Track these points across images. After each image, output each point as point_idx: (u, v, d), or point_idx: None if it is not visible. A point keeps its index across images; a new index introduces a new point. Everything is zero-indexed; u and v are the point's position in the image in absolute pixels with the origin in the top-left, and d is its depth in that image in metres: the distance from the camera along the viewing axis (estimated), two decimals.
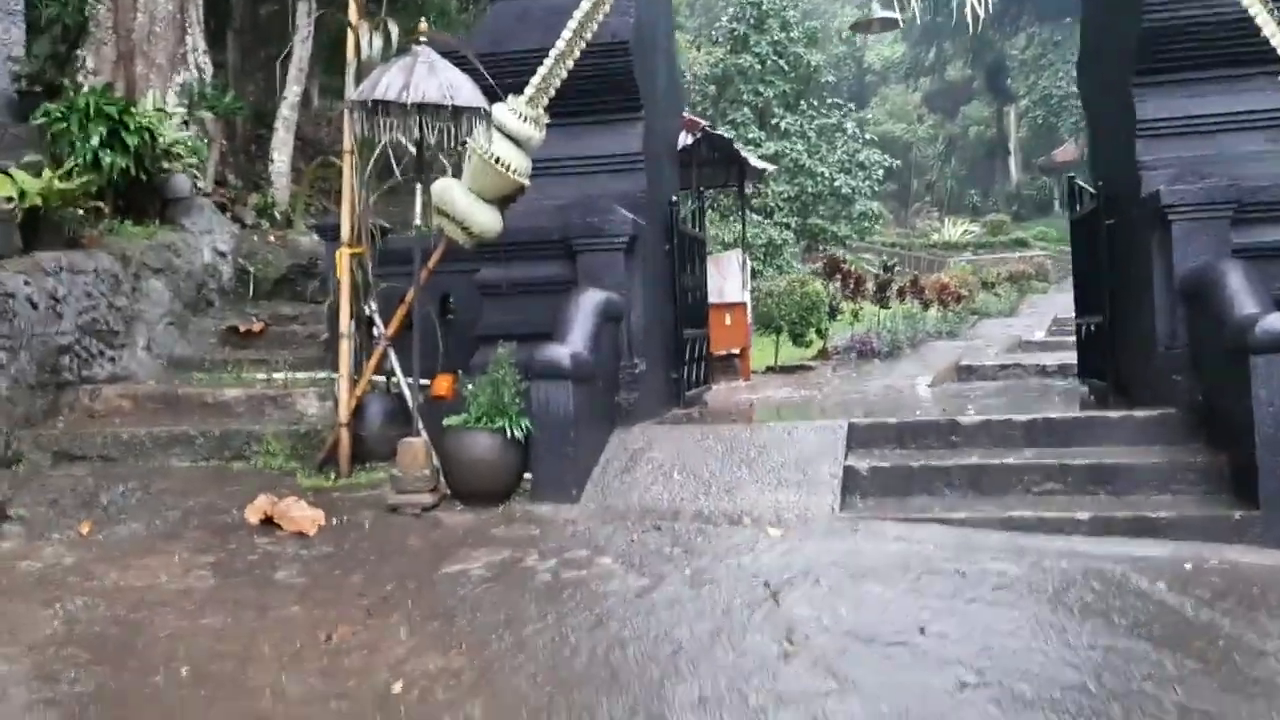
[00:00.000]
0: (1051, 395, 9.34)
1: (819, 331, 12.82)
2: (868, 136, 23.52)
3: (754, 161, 13.04)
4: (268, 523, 5.99)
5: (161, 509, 6.35)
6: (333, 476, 6.98)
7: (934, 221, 44.97)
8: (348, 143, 7.18)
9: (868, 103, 54.06)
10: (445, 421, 6.50)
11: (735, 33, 21.72)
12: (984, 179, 56.99)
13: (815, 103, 22.18)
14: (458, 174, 7.25)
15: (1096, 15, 8.37)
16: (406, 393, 7.04)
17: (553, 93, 6.97)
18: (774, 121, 20.80)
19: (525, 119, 6.84)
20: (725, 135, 12.02)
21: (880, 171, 22.15)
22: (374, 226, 7.66)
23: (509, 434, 6.33)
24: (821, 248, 21.62)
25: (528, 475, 6.57)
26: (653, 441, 7.04)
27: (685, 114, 10.50)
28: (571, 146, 7.86)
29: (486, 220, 6.91)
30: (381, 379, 7.49)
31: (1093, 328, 8.80)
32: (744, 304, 11.98)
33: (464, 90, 6.26)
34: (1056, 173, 57.26)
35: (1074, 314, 9.60)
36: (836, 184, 20.52)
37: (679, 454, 6.82)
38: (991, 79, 54.41)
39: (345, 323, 7.16)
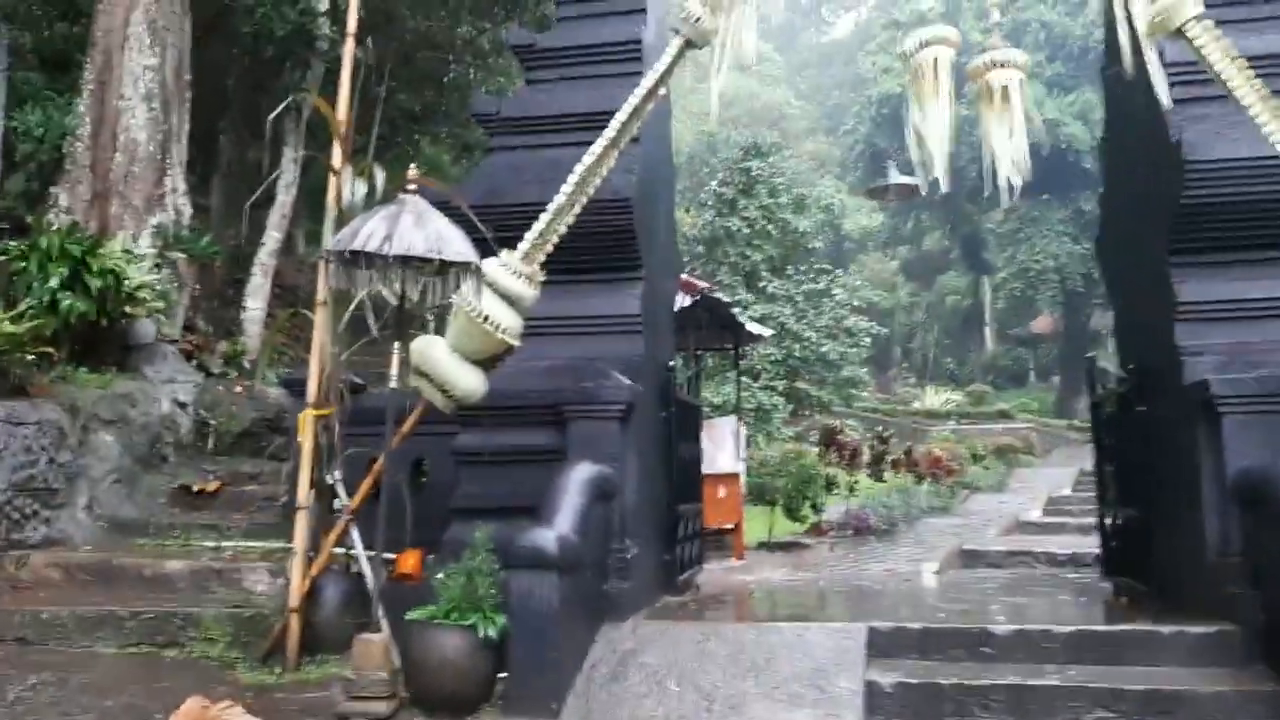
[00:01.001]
0: (1074, 594, 8.56)
1: (814, 506, 12.12)
2: (855, 303, 23.34)
3: (751, 328, 12.56)
4: None
5: (74, 710, 5.44)
6: (279, 671, 6.10)
7: (912, 389, 44.77)
8: (321, 294, 6.54)
9: (846, 270, 54.68)
10: (410, 615, 5.67)
11: (724, 196, 21.67)
12: (960, 348, 57.28)
13: (803, 268, 22.01)
14: (440, 329, 6.63)
15: (1123, 190, 7.95)
16: (368, 574, 6.22)
17: (550, 249, 6.41)
18: (761, 285, 20.55)
19: (519, 275, 6.25)
20: (724, 299, 11.57)
21: (868, 339, 21.87)
22: (345, 384, 6.96)
23: (482, 633, 5.50)
24: (806, 413, 21.11)
25: (502, 675, 5.71)
26: (645, 642, 6.21)
27: (682, 275, 10.03)
28: (565, 305, 7.26)
29: (470, 383, 6.24)
30: (342, 553, 6.67)
31: (1120, 521, 8.11)
32: (738, 475, 11.27)
33: (453, 243, 5.67)
34: (1032, 344, 57.88)
35: (1097, 504, 8.90)
36: (824, 349, 20.14)
37: (675, 659, 5.98)
38: (968, 250, 55.23)
39: (303, 494, 6.39)
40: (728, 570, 9.88)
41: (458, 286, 5.88)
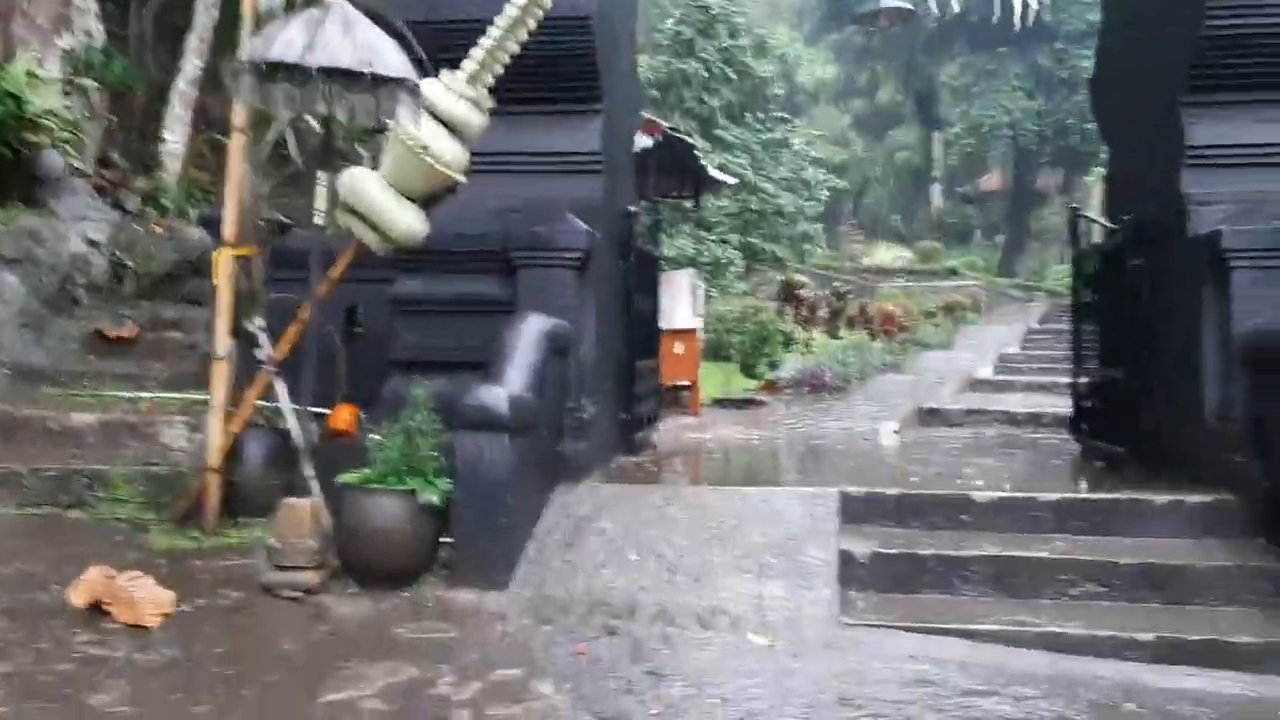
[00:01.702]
0: (1045, 455, 8.25)
1: (771, 363, 11.67)
2: (814, 154, 22.54)
3: (714, 173, 11.83)
4: (99, 607, 4.53)
5: None
6: (196, 535, 5.56)
7: (862, 245, 44.37)
8: (236, 119, 5.74)
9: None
10: (341, 478, 5.10)
11: (681, 36, 20.54)
12: (908, 205, 56.84)
13: (762, 116, 21.09)
14: (375, 164, 5.91)
15: (1128, 27, 7.28)
16: (295, 431, 5.63)
17: (499, 71, 5.65)
18: (718, 133, 19.65)
19: (464, 100, 5.51)
20: (687, 141, 10.83)
21: (825, 192, 21.17)
22: (268, 223, 6.25)
23: (424, 498, 4.96)
24: (760, 268, 20.54)
25: (447, 540, 5.21)
26: (603, 507, 5.73)
27: (642, 114, 9.26)
28: (516, 140, 6.53)
29: (407, 223, 5.55)
30: (269, 407, 6.07)
31: (1098, 381, 7.73)
32: (695, 331, 10.74)
33: (387, 56, 4.89)
34: (979, 202, 57.53)
35: (1071, 363, 8.52)
36: (780, 202, 19.43)
37: (635, 524, 5.52)
38: (921, 105, 54.22)
39: (221, 342, 5.73)
40: (683, 427, 9.44)
41: (392, 110, 5.12)
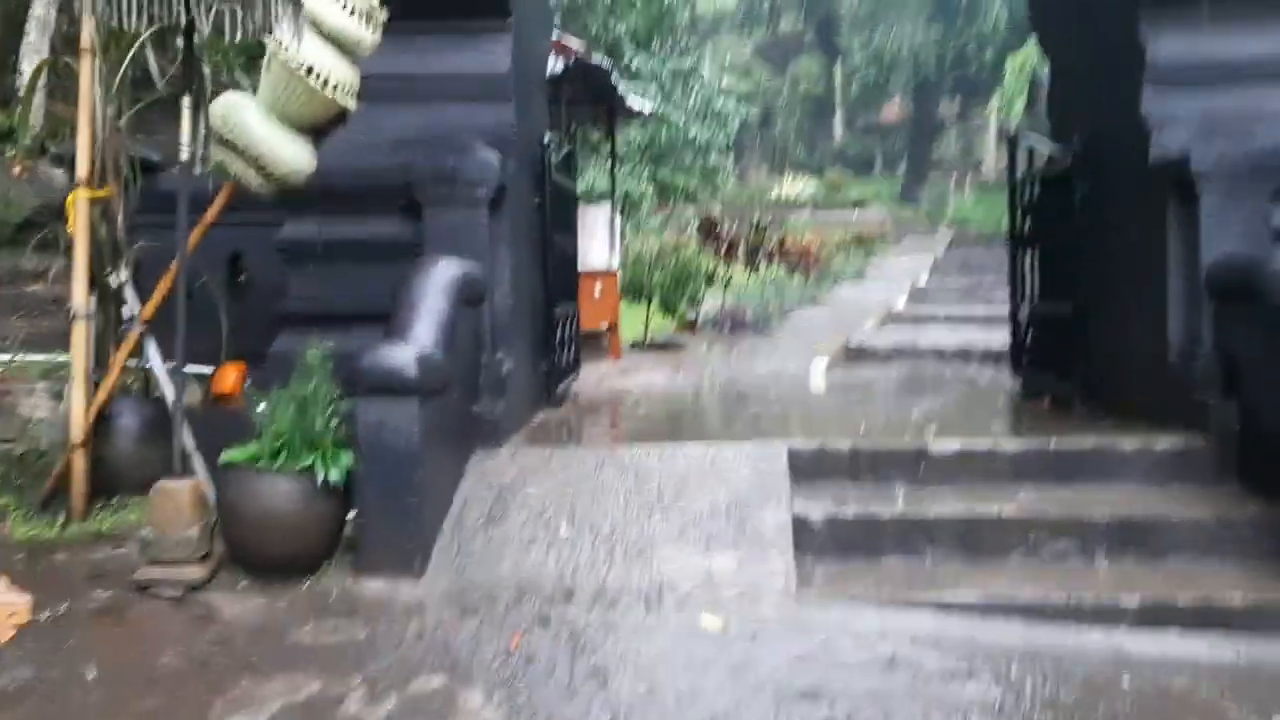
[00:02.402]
0: (986, 394, 7.89)
1: (693, 301, 11.15)
2: (724, 83, 21.87)
3: (632, 101, 11.13)
4: None
5: None
6: (61, 522, 4.83)
7: (768, 176, 43.99)
8: (85, 37, 4.91)
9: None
10: (225, 456, 4.42)
11: None
12: (810, 136, 56.65)
13: (669, 44, 20.30)
14: (252, 89, 5.15)
15: None
16: (170, 396, 4.91)
17: None
18: (625, 61, 18.83)
19: (353, 11, 4.77)
20: (602, 64, 10.10)
21: (736, 123, 20.55)
22: (131, 159, 5.45)
23: (322, 477, 4.31)
24: (670, 203, 19.91)
25: (352, 516, 4.59)
26: (528, 472, 5.14)
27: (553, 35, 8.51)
28: (414, 61, 5.80)
29: (292, 157, 4.83)
30: (143, 368, 5.35)
31: (1041, 314, 7.36)
32: (615, 271, 10.13)
33: None
34: (880, 133, 57.56)
35: (1010, 295, 8.14)
36: (691, 134, 18.76)
37: (566, 492, 4.95)
38: (822, 34, 53.80)
39: (80, 298, 4.96)
40: (605, 375, 8.87)
41: (269, 23, 4.37)
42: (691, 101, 19.14)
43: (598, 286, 9.12)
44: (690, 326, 11.74)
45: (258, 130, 4.69)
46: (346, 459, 4.38)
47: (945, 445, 5.26)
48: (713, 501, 4.84)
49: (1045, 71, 27.34)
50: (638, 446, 5.38)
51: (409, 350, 4.43)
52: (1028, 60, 37.34)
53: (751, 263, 13.60)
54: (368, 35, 4.82)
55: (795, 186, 37.07)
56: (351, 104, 4.88)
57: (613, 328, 9.65)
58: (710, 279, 11.93)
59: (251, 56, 6.50)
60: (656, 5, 20.01)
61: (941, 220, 38.05)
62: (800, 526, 4.71)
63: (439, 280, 5.01)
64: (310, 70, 4.64)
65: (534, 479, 5.08)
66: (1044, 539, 4.67)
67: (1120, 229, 6.14)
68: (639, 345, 10.59)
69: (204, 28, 4.18)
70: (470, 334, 5.39)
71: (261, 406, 4.42)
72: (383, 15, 4.89)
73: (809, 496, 4.97)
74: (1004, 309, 14.74)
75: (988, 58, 44.71)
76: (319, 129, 5.06)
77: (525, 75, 6.40)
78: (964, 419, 6.76)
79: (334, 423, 4.43)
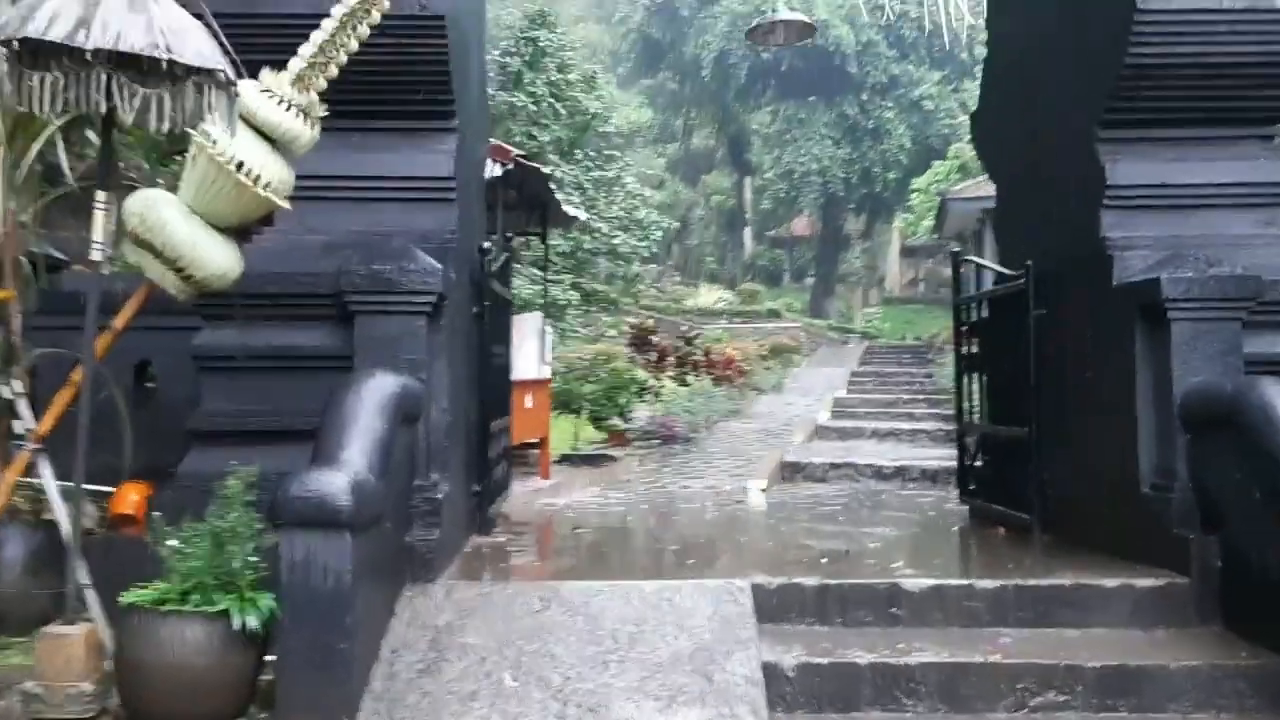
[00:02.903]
0: (938, 520, 7.59)
1: (623, 413, 10.77)
2: (647, 193, 21.91)
3: (568, 209, 10.88)
4: None
5: None
6: None
7: (683, 286, 44.27)
8: None
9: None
10: (126, 597, 3.86)
11: (508, 68, 19.57)
12: (721, 248, 57.58)
13: (592, 153, 20.31)
14: (174, 186, 4.70)
15: (1028, 51, 6.75)
16: (64, 523, 4.34)
17: (333, 74, 4.55)
18: (549, 169, 18.70)
19: (290, 107, 4.38)
20: (540, 169, 9.84)
21: (659, 232, 20.50)
22: (33, 257, 4.94)
23: (239, 622, 3.77)
24: (592, 311, 19.67)
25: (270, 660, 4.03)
26: (466, 613, 4.63)
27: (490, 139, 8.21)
28: (350, 161, 5.45)
29: (218, 261, 4.38)
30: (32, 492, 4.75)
31: (992, 439, 7.15)
32: (548, 382, 9.73)
33: (192, 40, 3.74)
34: (789, 245, 58.75)
35: (956, 418, 7.94)
36: (615, 241, 18.63)
37: (509, 637, 4.45)
38: (734, 150, 55.11)
39: None
40: (536, 493, 8.40)
41: (197, 114, 3.95)
42: (614, 210, 19.12)
43: (529, 398, 8.70)
44: (618, 439, 11.34)
45: (180, 230, 4.23)
46: (267, 602, 3.85)
47: (919, 582, 4.91)
48: (674, 649, 4.38)
49: (953, 191, 27.96)
50: (585, 583, 4.91)
51: (341, 477, 3.94)
52: (934, 182, 38.64)
53: (681, 373, 13.33)
54: (305, 131, 4.44)
55: (710, 296, 37.23)
56: (284, 203, 4.47)
57: (543, 441, 9.20)
58: (642, 390, 11.60)
59: (167, 151, 6.08)
60: (579, 117, 20.09)
61: (851, 333, 38.63)
62: (771, 675, 4.29)
63: (375, 396, 4.54)
64: (241, 166, 4.22)
65: (473, 621, 4.58)
66: (1032, 688, 4.32)
67: (1080, 354, 5.97)
68: (568, 459, 10.13)
69: (127, 117, 3.75)
70: (405, 455, 4.92)
71: (171, 543, 3.86)
72: (322, 110, 4.51)
73: (779, 640, 4.57)
74: (927, 425, 14.88)
75: (890, 178, 46.26)
76: (243, 230, 4.63)
77: (466, 179, 6.05)
78: (923, 549, 6.44)
79: (255, 559, 3.90)
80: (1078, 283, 5.98)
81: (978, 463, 7.52)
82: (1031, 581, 4.91)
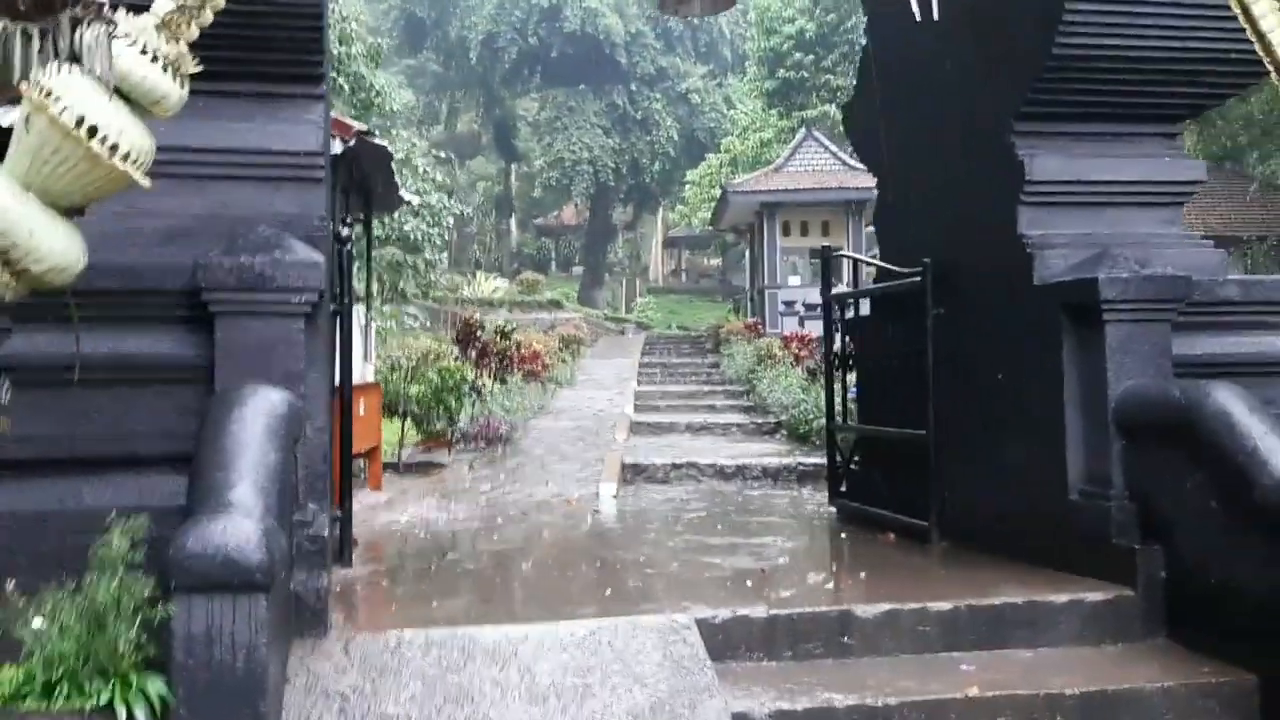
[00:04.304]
0: (813, 523, 7.31)
1: (452, 418, 9.97)
2: (438, 177, 20.85)
3: (404, 193, 9.94)
4: None
5: None
6: None
7: (456, 276, 43.15)
8: None
9: None
10: None
11: None
12: (486, 235, 56.76)
13: (378, 132, 19.04)
14: None
15: (922, 41, 6.50)
16: None
17: (208, 19, 3.67)
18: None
19: (155, 58, 3.48)
20: (385, 145, 8.90)
21: (450, 218, 19.53)
22: None
23: (123, 718, 2.91)
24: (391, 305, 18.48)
25: None
26: (375, 675, 3.87)
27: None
28: (196, 130, 4.50)
29: (60, 250, 3.42)
30: None
31: (877, 443, 6.93)
32: (380, 385, 8.82)
33: None
34: (555, 234, 58.52)
35: (827, 418, 7.69)
36: (407, 228, 17.54)
37: (434, 704, 3.73)
38: (500, 136, 54.32)
39: None
40: (371, 509, 7.54)
41: (27, 65, 3.03)
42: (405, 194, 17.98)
43: (362, 405, 7.82)
44: (439, 442, 10.52)
45: (10, 211, 3.27)
46: (158, 688, 3.00)
47: (870, 608, 4.52)
48: (630, 704, 3.80)
49: (733, 185, 28.23)
50: (505, 628, 4.24)
51: (249, 525, 3.14)
52: (706, 174, 39.24)
53: (501, 371, 12.63)
54: (174, 90, 3.54)
55: (488, 285, 36.29)
56: (145, 180, 3.56)
57: (374, 451, 8.32)
58: (474, 390, 10.84)
59: None
60: (362, 94, 18.84)
61: (625, 322, 38.73)
62: None
63: (263, 418, 3.73)
64: (95, 131, 3.30)
65: (385, 683, 3.83)
66: None
67: (988, 356, 5.77)
68: (391, 467, 9.27)
69: None
70: (288, 487, 4.09)
71: (38, 623, 2.94)
72: (194, 66, 3.63)
73: (732, 682, 4.07)
74: (734, 418, 14.79)
75: (657, 169, 46.74)
76: (73, 211, 3.69)
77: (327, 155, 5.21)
78: (835, 563, 6.11)
79: (142, 637, 3.04)
80: (984, 281, 5.78)
81: (850, 465, 7.30)
82: (985, 601, 4.61)
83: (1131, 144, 5.53)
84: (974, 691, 4.04)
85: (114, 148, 3.36)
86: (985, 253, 5.71)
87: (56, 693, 2.89)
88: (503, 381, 13.01)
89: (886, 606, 4.51)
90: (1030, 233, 5.40)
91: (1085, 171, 5.43)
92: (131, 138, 3.45)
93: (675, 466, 10.02)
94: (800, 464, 10.02)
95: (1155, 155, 5.55)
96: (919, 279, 6.17)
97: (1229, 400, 4.43)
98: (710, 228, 38.17)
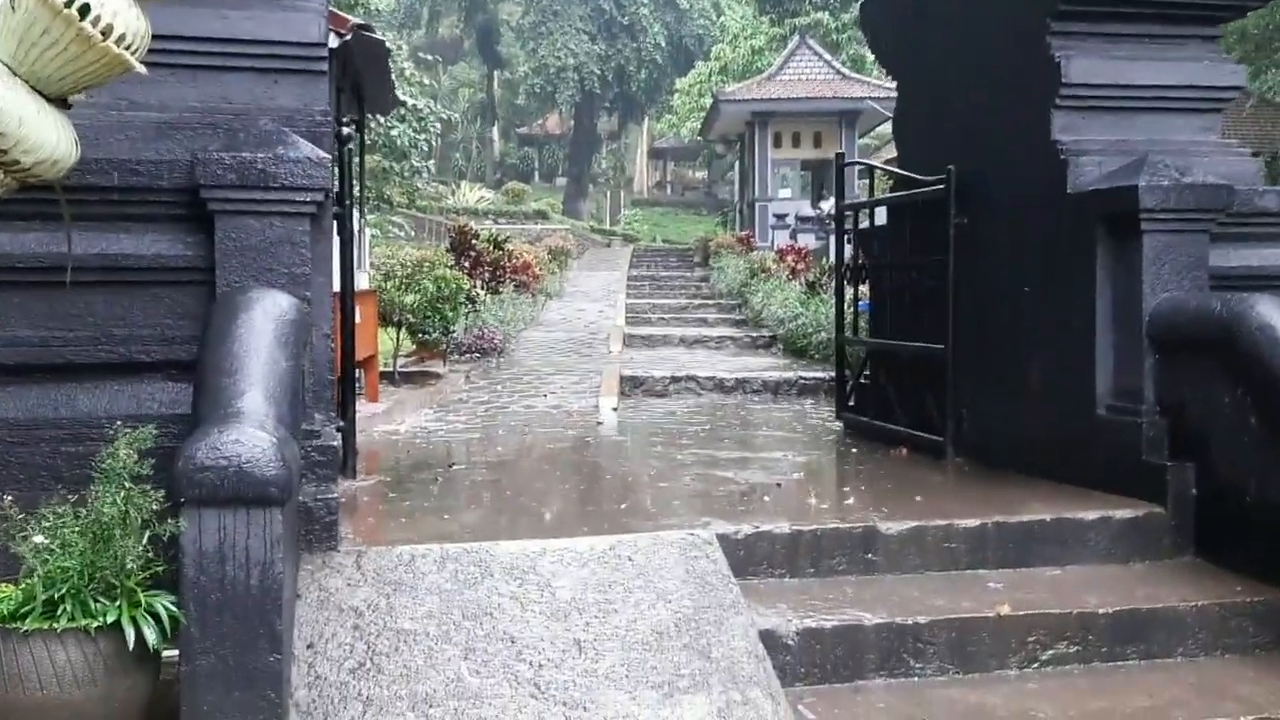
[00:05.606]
0: (821, 435, 7.19)
1: (448, 328, 9.76)
2: (425, 81, 20.27)
3: (401, 95, 9.58)
4: None
5: None
6: None
7: (439, 185, 42.55)
8: None
9: None
10: None
11: None
12: (468, 143, 55.85)
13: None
14: None
15: None
16: None
17: None
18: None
19: None
20: (383, 40, 8.50)
21: (438, 124, 19.01)
22: None
23: (132, 637, 2.76)
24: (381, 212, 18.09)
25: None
26: (389, 588, 3.73)
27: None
28: (188, 18, 4.22)
29: (52, 141, 3.18)
30: None
31: (892, 356, 6.77)
32: (375, 294, 8.59)
33: None
34: (539, 144, 57.58)
35: (836, 331, 7.52)
36: (393, 134, 17.05)
37: (451, 617, 3.60)
38: (483, 41, 53.09)
39: None
40: (369, 418, 7.36)
41: None
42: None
43: (358, 312, 7.58)
44: (432, 353, 10.33)
45: (2, 100, 3.01)
46: (168, 606, 2.84)
47: (895, 525, 4.40)
48: (654, 621, 3.67)
49: (724, 93, 27.69)
50: (521, 542, 4.09)
51: (263, 436, 2.95)
52: (696, 83, 38.49)
53: (495, 281, 12.38)
54: None
55: (473, 195, 35.74)
56: (140, 66, 3.30)
57: (370, 360, 8.12)
58: (470, 300, 10.62)
59: None
60: None
61: (609, 234, 38.30)
62: (770, 645, 3.67)
63: (272, 323, 3.52)
64: (86, 11, 3.03)
65: (400, 599, 3.69)
66: (1043, 640, 3.92)
67: (1014, 266, 5.58)
68: (386, 377, 9.07)
69: None
70: (298, 397, 3.90)
71: (38, 539, 2.76)
72: None
73: (759, 599, 3.95)
74: (727, 330, 14.64)
75: (644, 77, 45.86)
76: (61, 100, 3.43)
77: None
78: (846, 479, 5.98)
79: (147, 554, 2.87)
80: (1011, 190, 5.57)
81: (861, 379, 7.16)
82: (1014, 519, 4.49)
83: (1171, 46, 5.27)
84: (1005, 610, 3.94)
85: (107, 30, 3.09)
86: (1013, 160, 5.49)
87: (60, 611, 2.72)
88: (496, 292, 12.79)
89: (912, 523, 4.39)
90: (1064, 139, 5.17)
91: (1123, 74, 5.18)
92: (126, 20, 3.20)
93: (674, 379, 9.88)
94: (801, 378, 9.90)
95: (1195, 59, 5.29)
96: (941, 187, 5.95)
97: (1273, 314, 4.27)
98: (699, 138, 37.61)
